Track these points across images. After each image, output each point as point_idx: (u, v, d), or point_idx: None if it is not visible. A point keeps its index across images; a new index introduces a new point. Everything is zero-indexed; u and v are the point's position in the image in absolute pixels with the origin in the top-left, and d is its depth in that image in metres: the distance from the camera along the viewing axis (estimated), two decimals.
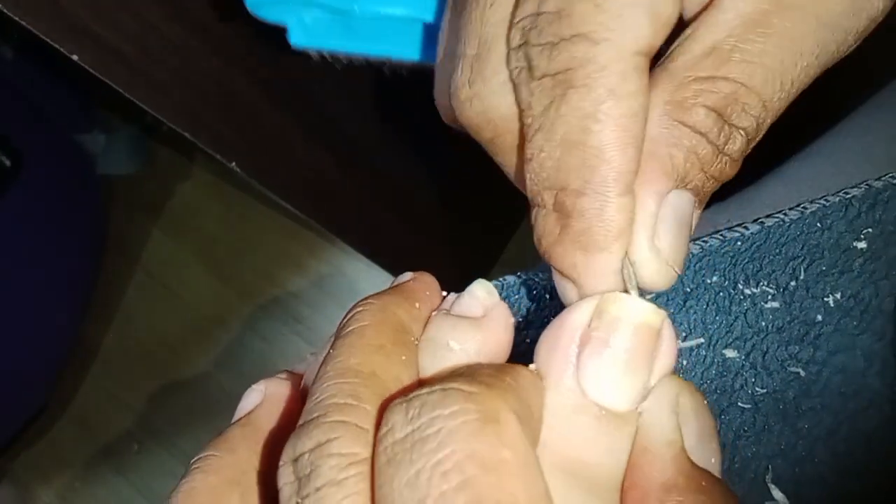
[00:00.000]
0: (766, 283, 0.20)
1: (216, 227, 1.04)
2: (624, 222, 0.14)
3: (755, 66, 0.14)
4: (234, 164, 0.41)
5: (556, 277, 0.15)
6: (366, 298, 0.15)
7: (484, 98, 0.15)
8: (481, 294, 0.16)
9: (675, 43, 0.15)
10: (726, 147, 0.14)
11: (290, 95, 0.44)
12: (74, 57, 0.30)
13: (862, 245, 0.20)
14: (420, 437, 0.11)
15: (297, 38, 0.26)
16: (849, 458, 0.19)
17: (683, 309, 0.20)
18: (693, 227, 0.15)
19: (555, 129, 0.13)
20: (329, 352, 0.14)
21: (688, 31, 0.14)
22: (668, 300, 0.21)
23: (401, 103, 0.55)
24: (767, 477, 0.19)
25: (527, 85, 0.14)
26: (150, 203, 1.09)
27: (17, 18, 0.27)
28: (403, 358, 0.14)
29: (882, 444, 0.19)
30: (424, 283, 0.17)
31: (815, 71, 0.14)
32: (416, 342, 0.15)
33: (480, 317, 0.15)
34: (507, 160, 0.16)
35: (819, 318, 0.20)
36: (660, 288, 0.15)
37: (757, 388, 0.19)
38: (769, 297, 0.20)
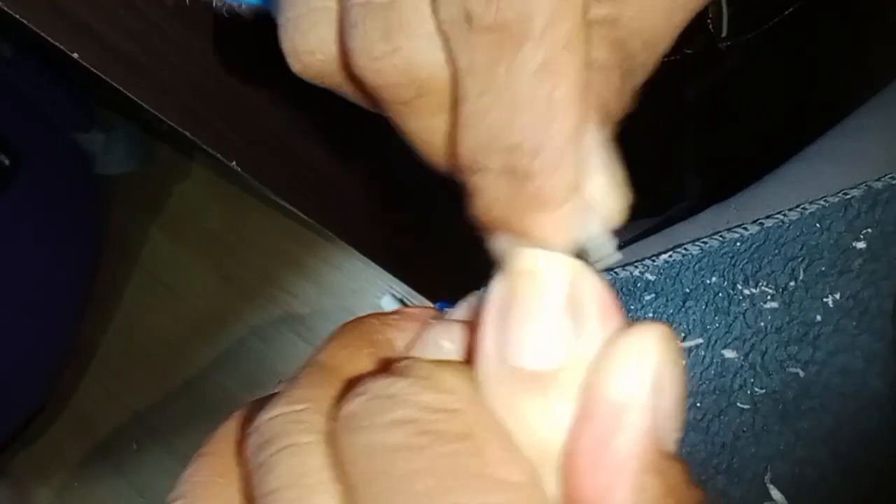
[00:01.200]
0: (765, 283, 0.20)
1: (216, 226, 1.04)
2: (579, 172, 0.13)
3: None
4: (234, 162, 0.41)
5: (505, 245, 0.14)
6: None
7: (406, 53, 0.13)
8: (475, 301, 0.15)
9: None
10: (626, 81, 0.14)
11: (291, 94, 0.44)
12: (75, 55, 0.30)
13: (861, 245, 0.20)
14: (372, 406, 0.12)
15: None
16: (849, 459, 0.19)
17: (683, 309, 0.20)
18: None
19: (504, 86, 0.12)
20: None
21: None
22: (667, 300, 0.21)
23: None
24: (766, 477, 0.19)
25: (465, 38, 0.12)
26: (150, 202, 1.09)
27: (16, 16, 0.27)
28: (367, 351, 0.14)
29: (882, 444, 0.19)
30: (419, 310, 0.16)
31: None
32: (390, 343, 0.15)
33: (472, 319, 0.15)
34: (427, 124, 0.14)
35: (818, 318, 0.20)
36: (618, 218, 0.14)
37: (756, 389, 0.19)
38: (768, 297, 0.20)
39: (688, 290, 0.20)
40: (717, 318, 0.20)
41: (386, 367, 0.14)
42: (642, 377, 0.11)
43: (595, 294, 0.12)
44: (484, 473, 0.11)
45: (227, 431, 0.15)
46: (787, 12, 0.35)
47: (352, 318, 0.17)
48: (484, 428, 0.11)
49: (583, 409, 0.12)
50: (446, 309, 0.16)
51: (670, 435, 0.12)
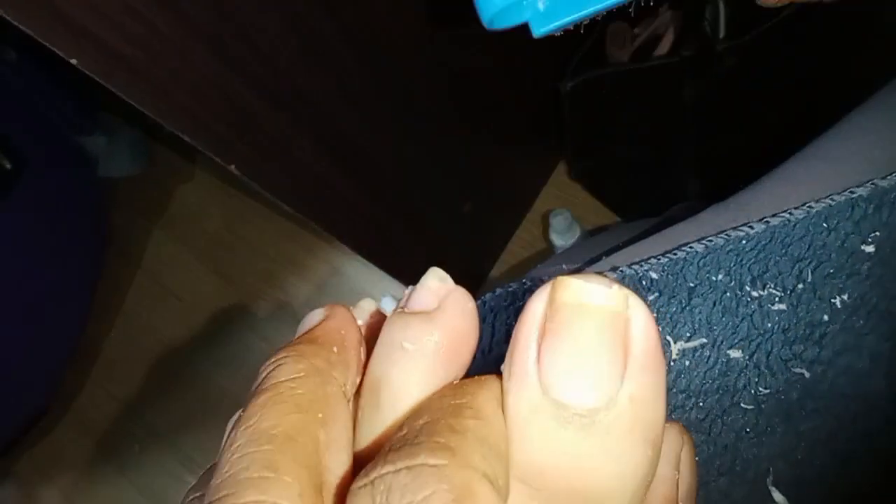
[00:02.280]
0: (772, 285, 0.20)
1: (217, 228, 1.04)
2: None
3: None
4: (233, 166, 0.41)
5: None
6: (279, 352, 0.14)
7: None
8: (433, 284, 0.14)
9: None
10: None
11: (290, 97, 0.44)
12: (74, 61, 0.30)
13: (870, 249, 0.20)
14: None
15: (539, 28, 0.26)
16: (850, 460, 0.19)
17: (688, 307, 0.20)
18: None
19: None
20: (240, 414, 0.13)
21: None
22: (671, 296, 0.20)
23: (401, 104, 0.55)
24: (768, 479, 0.19)
25: None
26: (151, 205, 1.09)
27: (15, 23, 0.27)
28: (321, 415, 0.13)
29: (885, 445, 0.19)
30: (337, 321, 0.15)
31: None
32: (344, 388, 0.14)
33: (434, 309, 0.14)
34: None
35: (825, 318, 0.19)
36: None
37: (760, 389, 0.19)
38: (776, 299, 0.20)
39: (692, 286, 0.20)
40: (724, 318, 0.20)
41: (373, 387, 0.13)
42: (669, 454, 0.13)
43: (643, 334, 0.12)
44: None
45: None
46: (784, 14, 0.35)
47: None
48: None
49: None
50: (410, 287, 0.15)
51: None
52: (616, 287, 0.12)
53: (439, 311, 0.14)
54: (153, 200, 1.09)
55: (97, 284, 1.01)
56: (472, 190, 0.71)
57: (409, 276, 0.66)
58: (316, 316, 0.15)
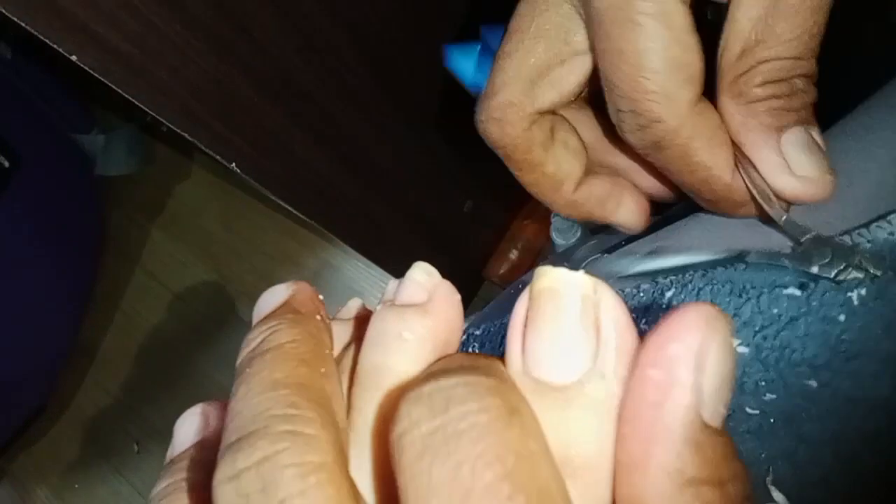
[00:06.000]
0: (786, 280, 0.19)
1: (215, 226, 1.04)
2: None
3: (783, 42, 0.19)
4: (233, 164, 0.41)
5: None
6: (268, 321, 0.15)
7: None
8: (422, 277, 0.15)
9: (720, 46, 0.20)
10: (793, 92, 0.19)
11: (290, 95, 0.44)
12: (73, 57, 0.30)
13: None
14: (456, 429, 0.11)
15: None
16: (852, 461, 0.19)
17: (698, 292, 0.20)
18: (821, 141, 0.20)
19: None
20: (246, 371, 0.14)
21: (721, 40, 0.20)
22: (684, 286, 0.20)
23: (402, 103, 0.55)
24: (768, 479, 0.19)
25: None
26: (149, 203, 1.08)
27: (14, 18, 0.27)
28: (323, 370, 0.14)
29: (886, 447, 0.19)
30: (309, 293, 0.16)
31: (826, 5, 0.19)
32: (330, 352, 0.15)
33: (425, 301, 0.15)
34: None
35: (842, 318, 0.19)
36: (822, 195, 0.20)
37: (768, 394, 0.19)
38: (788, 287, 0.19)
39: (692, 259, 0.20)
40: (728, 298, 0.19)
41: (372, 371, 0.14)
42: (684, 355, 0.12)
43: (611, 310, 0.13)
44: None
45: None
46: None
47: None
48: (559, 485, 0.12)
49: (628, 385, 0.12)
50: (394, 281, 0.16)
51: (716, 411, 0.12)
52: (583, 273, 0.13)
53: (431, 304, 0.15)
54: (150, 198, 1.08)
55: (94, 282, 1.01)
56: (472, 188, 0.71)
57: None
58: (280, 291, 0.16)
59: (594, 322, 0.13)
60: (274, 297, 0.16)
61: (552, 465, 0.12)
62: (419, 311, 0.15)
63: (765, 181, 0.20)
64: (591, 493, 0.12)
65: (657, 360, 0.12)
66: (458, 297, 0.15)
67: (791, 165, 0.20)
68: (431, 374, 0.13)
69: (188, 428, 0.17)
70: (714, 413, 0.12)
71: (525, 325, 0.13)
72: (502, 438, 0.11)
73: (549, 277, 0.13)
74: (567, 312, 0.13)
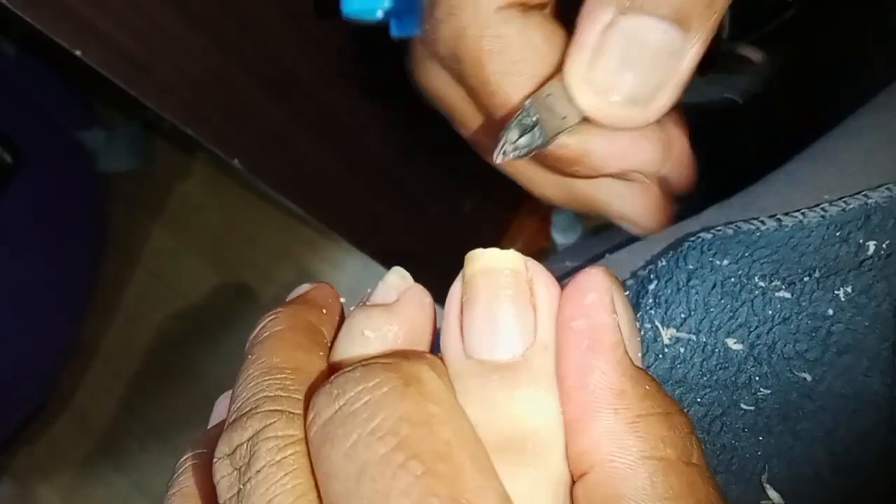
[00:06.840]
0: (778, 281, 0.20)
1: (217, 224, 1.04)
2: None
3: None
4: (236, 161, 0.41)
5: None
6: (274, 310, 0.16)
7: None
8: (395, 281, 0.16)
9: None
10: None
11: (293, 93, 0.44)
12: (78, 53, 0.30)
13: (881, 251, 0.19)
14: (350, 410, 0.12)
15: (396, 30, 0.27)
16: (846, 459, 0.19)
17: (685, 288, 0.20)
18: (686, 62, 0.16)
19: None
20: (248, 357, 0.15)
21: None
22: (668, 279, 0.20)
23: (404, 101, 0.55)
24: (763, 477, 0.19)
25: None
26: (151, 200, 1.09)
27: (21, 14, 0.27)
28: (321, 354, 0.15)
29: (879, 444, 0.19)
30: (324, 290, 0.17)
31: None
32: (328, 343, 0.16)
33: (394, 302, 0.15)
34: None
35: (830, 312, 0.19)
36: (624, 124, 0.16)
37: (762, 389, 0.19)
38: (779, 288, 0.19)
39: (692, 268, 0.20)
40: (722, 300, 0.19)
41: (336, 367, 0.14)
42: (600, 301, 0.13)
43: (544, 283, 0.13)
44: (460, 501, 0.11)
45: (187, 474, 0.15)
46: (788, 13, 0.35)
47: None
48: (462, 443, 0.12)
49: (557, 346, 0.13)
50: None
51: (636, 354, 0.13)
52: (513, 251, 0.14)
53: (398, 304, 0.15)
54: (152, 195, 1.09)
55: (95, 279, 1.01)
56: (472, 188, 0.71)
57: (412, 273, 0.66)
58: (305, 286, 0.17)
59: (530, 297, 0.13)
60: (298, 290, 0.17)
61: (460, 424, 0.12)
62: (384, 310, 0.15)
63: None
64: (550, 471, 0.12)
65: (577, 313, 0.13)
66: (429, 299, 0.16)
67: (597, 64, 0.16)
68: (341, 368, 0.13)
69: (220, 409, 0.17)
70: (635, 355, 0.13)
71: (461, 311, 0.13)
72: (395, 410, 0.11)
73: (483, 259, 0.14)
74: (505, 290, 0.13)
